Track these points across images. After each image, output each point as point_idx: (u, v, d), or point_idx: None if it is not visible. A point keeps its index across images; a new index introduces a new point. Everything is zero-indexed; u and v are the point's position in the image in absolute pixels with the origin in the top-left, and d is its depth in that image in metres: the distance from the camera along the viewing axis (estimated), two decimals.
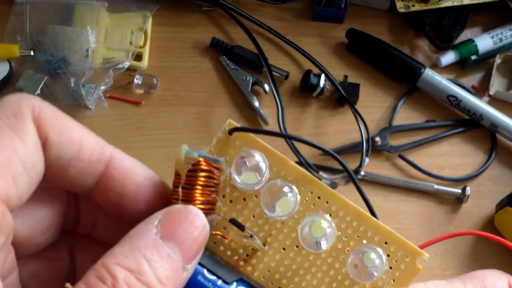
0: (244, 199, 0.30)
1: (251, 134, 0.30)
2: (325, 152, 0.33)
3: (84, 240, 0.30)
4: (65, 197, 0.28)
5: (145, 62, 0.62)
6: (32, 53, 0.59)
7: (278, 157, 0.30)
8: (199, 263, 0.28)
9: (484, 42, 0.63)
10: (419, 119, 0.62)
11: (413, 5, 0.64)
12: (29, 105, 0.24)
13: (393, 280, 0.29)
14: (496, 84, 0.63)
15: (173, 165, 0.27)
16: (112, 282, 0.22)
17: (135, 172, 0.27)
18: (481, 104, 0.60)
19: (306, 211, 0.30)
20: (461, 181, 0.59)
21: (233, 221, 0.30)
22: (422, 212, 0.57)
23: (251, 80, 0.61)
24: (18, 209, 0.25)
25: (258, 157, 0.29)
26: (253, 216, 0.30)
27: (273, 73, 0.61)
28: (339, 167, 0.57)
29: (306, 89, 0.61)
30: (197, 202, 0.27)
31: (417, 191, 0.58)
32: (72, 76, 0.59)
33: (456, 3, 0.64)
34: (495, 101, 0.63)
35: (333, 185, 0.54)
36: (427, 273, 0.53)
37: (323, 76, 0.60)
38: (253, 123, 0.60)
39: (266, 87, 0.61)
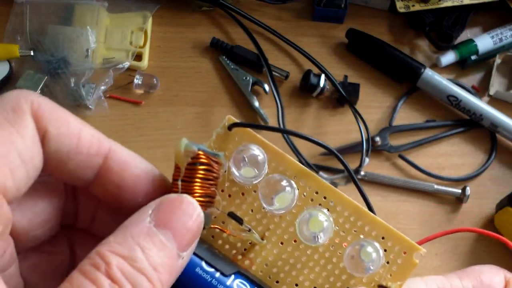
0: (243, 194, 0.31)
1: (250, 130, 0.31)
2: (324, 148, 0.33)
3: (83, 235, 0.30)
4: (63, 191, 0.29)
5: (145, 62, 0.62)
6: (32, 53, 0.59)
7: (277, 152, 0.31)
8: (198, 256, 0.28)
9: (484, 42, 0.63)
10: (419, 119, 0.62)
11: (413, 5, 0.64)
12: (28, 100, 0.24)
13: (390, 275, 0.29)
14: (496, 84, 0.63)
15: (172, 165, 0.28)
16: (105, 268, 0.23)
17: (133, 165, 0.27)
18: (481, 104, 0.60)
19: (304, 205, 0.30)
20: (461, 181, 0.59)
21: (232, 215, 0.30)
22: (422, 212, 0.57)
23: (251, 80, 0.61)
24: (17, 202, 0.25)
25: (257, 151, 0.30)
26: (252, 211, 0.30)
27: (273, 73, 0.61)
28: (339, 167, 0.57)
29: (306, 89, 0.61)
30: (196, 194, 0.27)
31: (417, 191, 0.58)
32: (72, 76, 0.59)
33: (456, 3, 0.64)
34: (495, 101, 0.63)
35: (333, 185, 0.54)
36: (427, 273, 0.53)
37: (323, 76, 0.60)
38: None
39: (266, 87, 0.61)
